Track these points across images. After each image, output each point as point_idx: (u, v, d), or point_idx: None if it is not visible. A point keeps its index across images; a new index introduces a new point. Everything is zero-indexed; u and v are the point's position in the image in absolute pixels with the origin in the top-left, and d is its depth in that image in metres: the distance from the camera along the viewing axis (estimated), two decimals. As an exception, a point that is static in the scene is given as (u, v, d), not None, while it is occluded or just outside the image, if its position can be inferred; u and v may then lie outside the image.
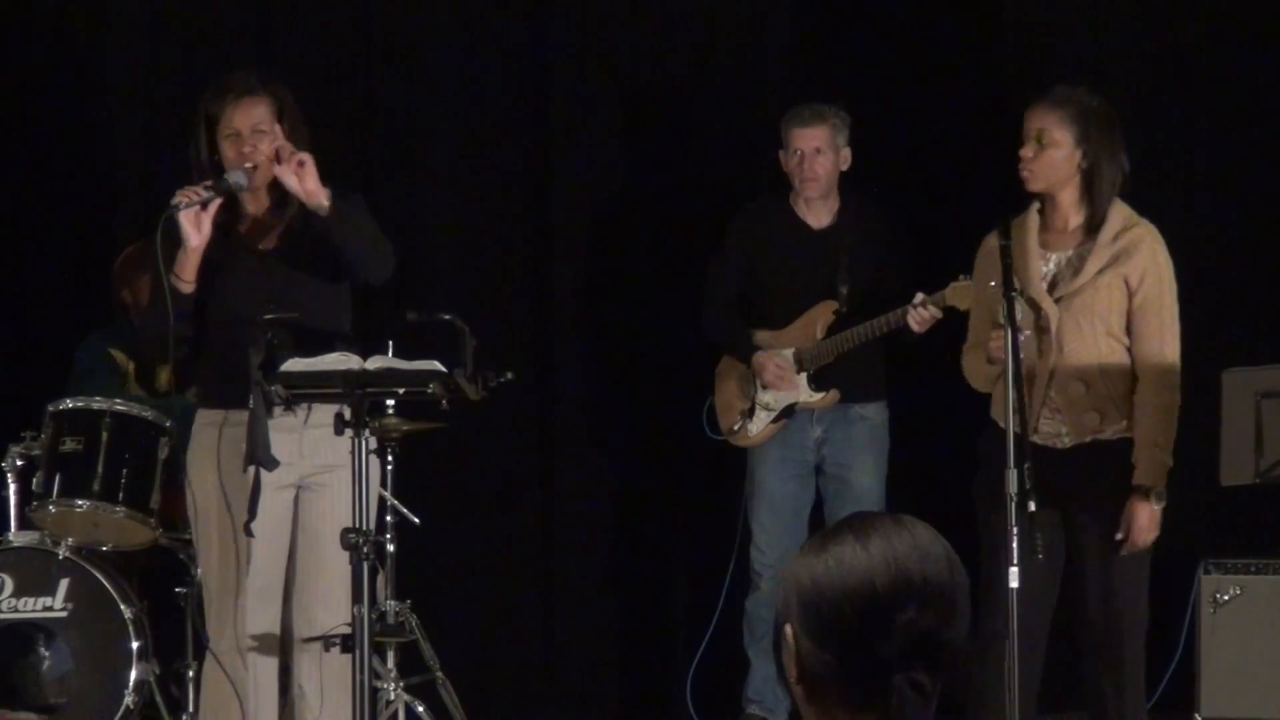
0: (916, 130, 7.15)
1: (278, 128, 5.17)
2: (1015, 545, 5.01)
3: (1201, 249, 6.96)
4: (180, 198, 5.04)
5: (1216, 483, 6.43)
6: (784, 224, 6.70)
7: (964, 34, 7.21)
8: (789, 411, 6.63)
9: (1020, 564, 5.03)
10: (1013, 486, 5.03)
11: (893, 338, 6.45)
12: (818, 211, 6.69)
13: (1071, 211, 5.44)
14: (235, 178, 5.11)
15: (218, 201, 5.08)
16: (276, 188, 5.20)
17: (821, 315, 6.60)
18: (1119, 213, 5.41)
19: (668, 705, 7.18)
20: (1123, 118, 6.51)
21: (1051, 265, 5.42)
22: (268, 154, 5.14)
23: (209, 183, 5.09)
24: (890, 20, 7.22)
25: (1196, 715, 6.46)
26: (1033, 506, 5.00)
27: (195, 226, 5.05)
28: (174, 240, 5.08)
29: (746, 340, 6.67)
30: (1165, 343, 5.39)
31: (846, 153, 6.64)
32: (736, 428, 6.72)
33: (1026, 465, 5.02)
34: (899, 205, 6.78)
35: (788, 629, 2.24)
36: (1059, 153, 5.38)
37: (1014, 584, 5.04)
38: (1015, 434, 5.02)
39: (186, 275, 5.10)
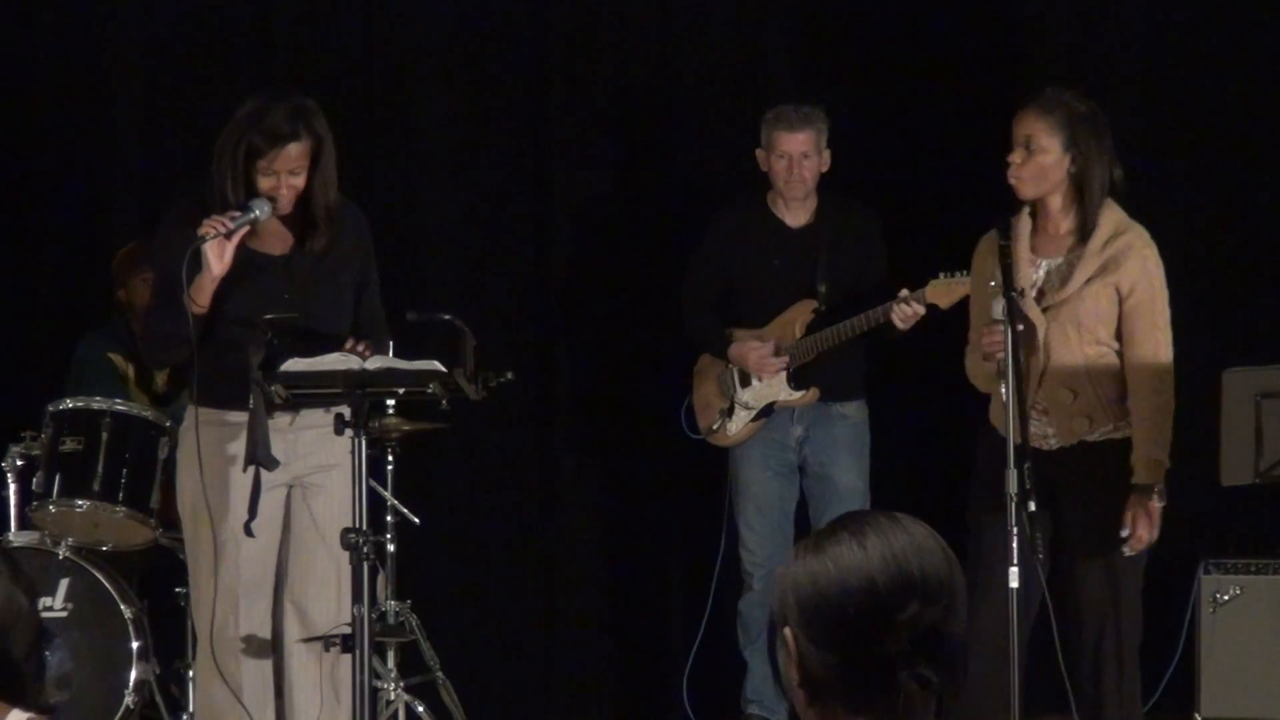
0: (904, 129, 7.15)
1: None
2: (1015, 545, 5.01)
3: (1202, 249, 6.96)
4: (207, 228, 5.06)
5: (1216, 483, 6.43)
6: (762, 223, 6.69)
7: (959, 32, 7.21)
8: (768, 410, 6.62)
9: (1021, 564, 5.03)
10: (1013, 486, 5.02)
11: (873, 336, 6.44)
12: (796, 211, 6.68)
13: (1061, 217, 5.39)
14: (260, 208, 5.12)
15: (243, 231, 5.11)
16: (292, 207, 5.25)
17: (801, 314, 6.59)
18: (1109, 219, 5.36)
19: (666, 705, 7.18)
20: (1123, 117, 6.52)
21: (1041, 273, 5.38)
22: (299, 191, 5.18)
23: (234, 214, 5.10)
24: (885, 21, 7.22)
25: (1196, 715, 6.45)
26: (1033, 506, 5.00)
27: (219, 256, 5.08)
28: (196, 266, 5.11)
29: (725, 337, 6.67)
30: (1159, 346, 5.36)
31: (827, 155, 6.64)
32: (716, 427, 6.72)
33: (1026, 465, 5.02)
34: (884, 203, 6.77)
35: (787, 632, 2.23)
36: (1047, 159, 5.33)
37: (1014, 584, 5.04)
38: (1015, 433, 5.03)
39: (202, 300, 5.12)
